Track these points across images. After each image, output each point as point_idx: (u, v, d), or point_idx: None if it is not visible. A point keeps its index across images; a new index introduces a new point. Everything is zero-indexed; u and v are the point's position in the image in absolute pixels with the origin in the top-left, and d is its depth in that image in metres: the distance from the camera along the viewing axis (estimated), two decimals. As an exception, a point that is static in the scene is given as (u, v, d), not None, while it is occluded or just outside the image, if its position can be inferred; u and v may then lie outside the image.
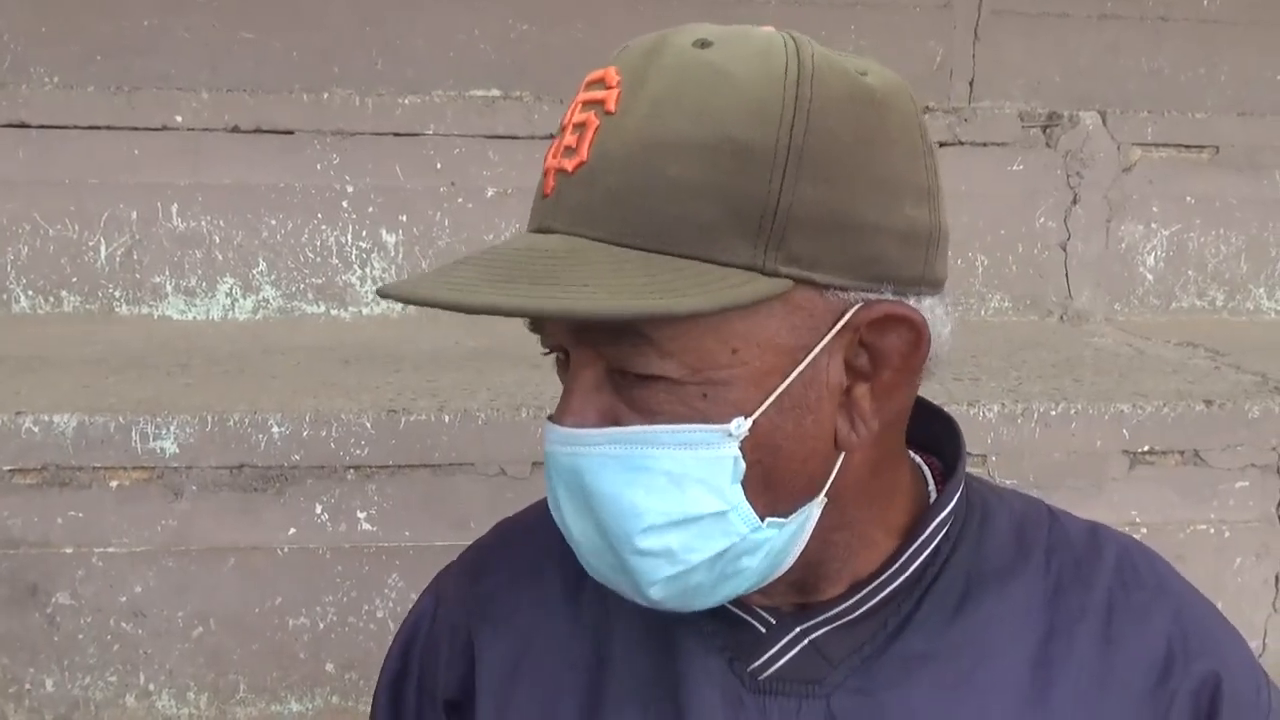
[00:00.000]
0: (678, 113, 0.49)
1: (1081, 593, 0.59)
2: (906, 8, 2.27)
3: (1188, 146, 2.26)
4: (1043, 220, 2.22)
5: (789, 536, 0.54)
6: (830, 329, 0.51)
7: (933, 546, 0.59)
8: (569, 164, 0.52)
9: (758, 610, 0.59)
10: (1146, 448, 1.60)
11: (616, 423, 0.52)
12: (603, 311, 0.47)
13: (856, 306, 0.51)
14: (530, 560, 0.68)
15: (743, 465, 0.51)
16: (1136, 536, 0.64)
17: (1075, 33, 2.35)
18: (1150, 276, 2.30)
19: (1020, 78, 2.34)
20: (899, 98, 0.53)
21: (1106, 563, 0.61)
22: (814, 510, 0.55)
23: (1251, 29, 2.40)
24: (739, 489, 0.51)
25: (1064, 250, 2.24)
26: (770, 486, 0.52)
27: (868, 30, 2.26)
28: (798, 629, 0.58)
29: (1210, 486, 1.63)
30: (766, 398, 0.50)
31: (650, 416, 0.51)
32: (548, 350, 0.58)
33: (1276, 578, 1.68)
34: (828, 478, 0.54)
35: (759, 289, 0.48)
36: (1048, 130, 2.21)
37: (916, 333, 0.53)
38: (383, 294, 0.51)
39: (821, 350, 0.51)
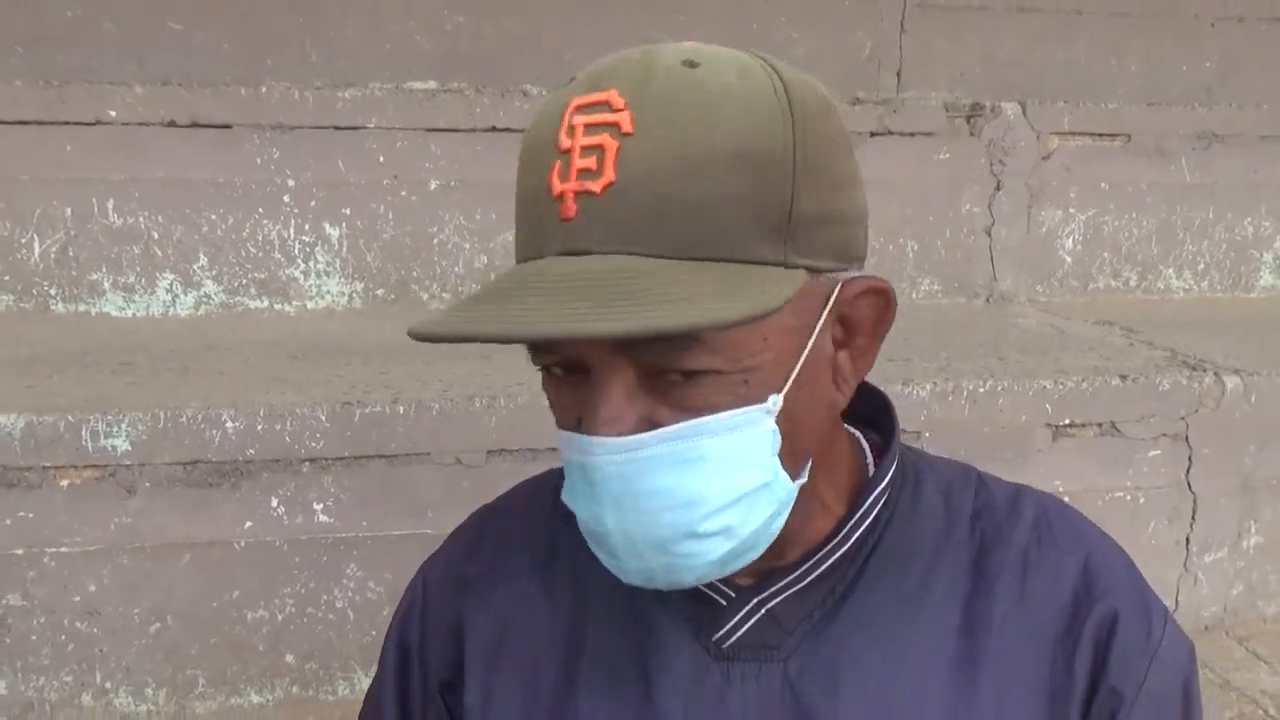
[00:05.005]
0: (698, 131, 0.52)
1: (1000, 554, 0.65)
2: (835, 0, 2.34)
3: (1101, 135, 2.38)
4: (968, 207, 2.32)
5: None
6: (824, 307, 0.58)
7: (874, 515, 0.64)
8: (594, 185, 0.51)
9: (718, 584, 0.64)
10: (1067, 420, 1.69)
11: (655, 423, 0.54)
12: (704, 323, 0.49)
13: (839, 285, 0.58)
14: (503, 546, 0.72)
15: (779, 437, 0.57)
16: (1060, 503, 0.71)
17: (995, 25, 2.45)
18: (1069, 259, 2.41)
19: (944, 69, 2.43)
20: (832, 100, 0.60)
21: (1024, 523, 0.66)
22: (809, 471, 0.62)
23: (1159, 21, 2.53)
24: (776, 459, 0.57)
25: (989, 235, 2.34)
26: (792, 453, 0.58)
27: (798, 22, 2.33)
28: (755, 600, 0.63)
29: (1126, 456, 1.73)
30: (789, 374, 0.56)
31: (696, 410, 0.54)
32: (545, 365, 0.57)
33: (1187, 539, 1.80)
34: (825, 439, 0.62)
35: (795, 283, 0.54)
36: (971, 120, 2.30)
37: (886, 300, 0.61)
38: (430, 337, 0.50)
39: (821, 326, 0.58)
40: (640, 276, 0.50)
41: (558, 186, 0.52)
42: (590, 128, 0.52)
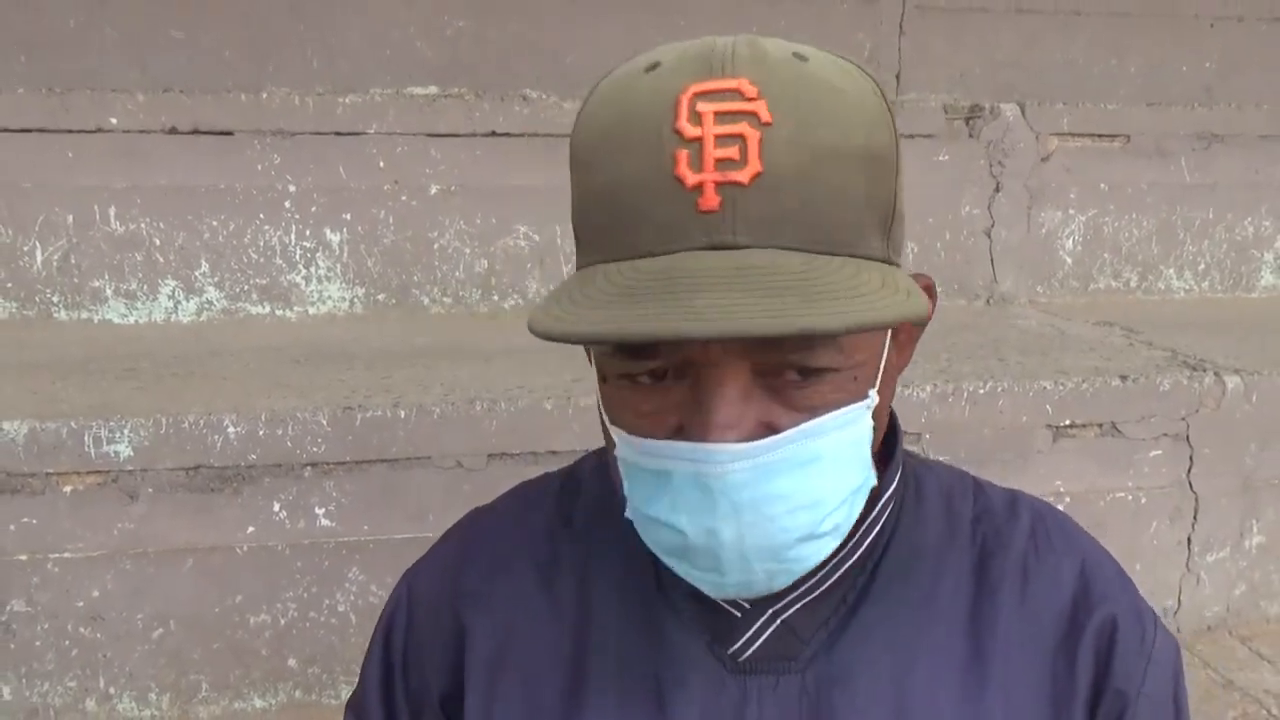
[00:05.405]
0: (826, 124, 0.51)
1: (1001, 559, 0.65)
2: (835, 1, 2.35)
3: (1101, 135, 2.38)
4: (968, 208, 2.32)
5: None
6: None
7: (881, 523, 0.64)
8: (740, 175, 0.49)
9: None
10: (1068, 421, 1.69)
11: (770, 424, 0.52)
12: (902, 316, 0.48)
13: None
14: (503, 552, 0.70)
15: (872, 433, 0.57)
16: (1060, 506, 0.71)
17: (994, 26, 2.45)
18: (1069, 260, 2.41)
19: (943, 71, 2.43)
20: None
21: (1022, 529, 0.67)
22: None
23: (1159, 21, 2.53)
24: (869, 454, 0.57)
25: (988, 236, 2.34)
26: (873, 448, 0.58)
27: (798, 23, 2.33)
28: (770, 611, 0.62)
29: (1126, 456, 1.73)
30: (879, 371, 0.56)
31: (811, 409, 0.53)
32: (630, 373, 0.54)
33: (1188, 540, 1.80)
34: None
35: (909, 278, 0.55)
36: (970, 122, 2.30)
37: (930, 298, 0.61)
38: (593, 338, 0.48)
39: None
40: (806, 271, 0.49)
41: (692, 177, 0.49)
42: (724, 115, 0.49)
